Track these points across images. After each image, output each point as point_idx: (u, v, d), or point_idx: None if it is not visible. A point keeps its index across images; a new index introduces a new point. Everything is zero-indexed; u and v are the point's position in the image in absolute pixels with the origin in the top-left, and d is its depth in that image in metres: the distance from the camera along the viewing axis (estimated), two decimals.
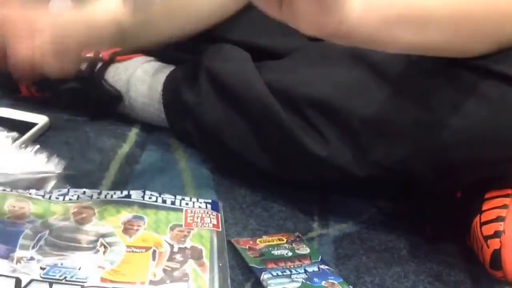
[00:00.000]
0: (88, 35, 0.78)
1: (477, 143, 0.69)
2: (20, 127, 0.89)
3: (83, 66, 0.93)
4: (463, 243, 0.77)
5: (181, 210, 0.75)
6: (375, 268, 0.73)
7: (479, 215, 0.72)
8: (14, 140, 0.82)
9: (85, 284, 0.62)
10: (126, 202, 0.75)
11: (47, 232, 0.68)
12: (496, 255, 0.69)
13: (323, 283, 0.67)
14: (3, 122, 0.90)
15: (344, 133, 0.75)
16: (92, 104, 0.94)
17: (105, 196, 0.76)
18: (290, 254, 0.72)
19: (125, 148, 0.90)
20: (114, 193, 0.77)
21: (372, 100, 0.73)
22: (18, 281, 0.60)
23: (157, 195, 0.77)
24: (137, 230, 0.71)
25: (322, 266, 0.70)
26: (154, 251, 0.68)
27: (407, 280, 0.72)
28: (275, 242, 0.74)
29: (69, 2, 0.78)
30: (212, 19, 0.86)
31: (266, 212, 0.81)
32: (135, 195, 0.77)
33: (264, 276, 0.67)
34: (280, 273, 0.68)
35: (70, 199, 0.74)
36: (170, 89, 0.90)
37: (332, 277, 0.68)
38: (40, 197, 0.73)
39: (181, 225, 0.72)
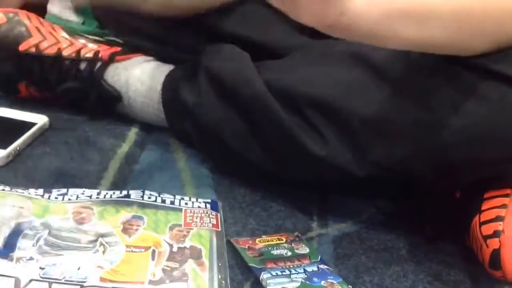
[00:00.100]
0: None
1: (476, 143, 0.69)
2: (20, 127, 0.89)
3: (83, 66, 0.93)
4: (462, 243, 0.77)
5: (180, 209, 0.75)
6: (374, 268, 0.73)
7: (478, 214, 0.72)
8: None
9: (85, 284, 0.61)
10: (125, 202, 0.75)
11: (46, 232, 0.68)
12: (496, 255, 0.69)
13: (322, 282, 0.67)
14: (2, 122, 0.90)
15: (344, 133, 0.75)
16: (91, 104, 0.94)
17: (105, 196, 0.76)
18: (289, 253, 0.72)
19: (125, 148, 0.90)
20: (114, 193, 0.77)
21: (372, 100, 0.73)
22: (17, 281, 0.60)
23: (157, 195, 0.77)
24: (136, 230, 0.70)
25: (321, 266, 0.70)
26: (154, 251, 0.68)
27: (406, 279, 0.72)
28: (274, 242, 0.74)
29: None
30: None
31: (266, 211, 0.81)
32: (135, 195, 0.77)
33: (264, 275, 0.67)
34: (279, 273, 0.68)
35: (69, 199, 0.74)
36: (170, 89, 0.90)
37: (332, 277, 0.68)
38: (39, 197, 0.73)
39: (180, 225, 0.72)
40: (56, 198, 0.74)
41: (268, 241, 0.74)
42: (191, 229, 0.72)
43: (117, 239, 0.69)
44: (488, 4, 0.64)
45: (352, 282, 0.70)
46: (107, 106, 0.95)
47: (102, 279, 0.62)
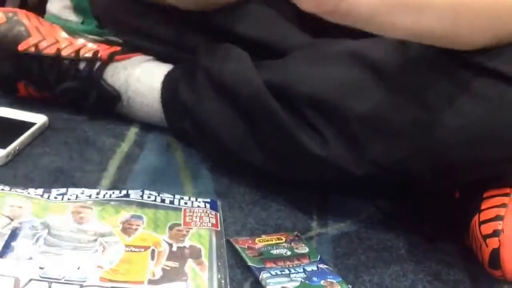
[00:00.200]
0: None
1: (475, 142, 0.69)
2: (19, 126, 0.89)
3: (82, 65, 0.93)
4: (462, 242, 0.77)
5: (180, 209, 0.75)
6: (374, 267, 0.73)
7: (478, 214, 0.72)
8: None
9: (84, 284, 0.61)
10: (125, 202, 0.75)
11: (46, 231, 0.68)
12: (495, 254, 0.69)
13: (322, 282, 0.67)
14: (1, 122, 0.90)
15: (342, 132, 0.75)
16: (91, 104, 0.94)
17: (104, 196, 0.76)
18: (289, 253, 0.72)
19: (124, 147, 0.90)
20: (113, 192, 0.77)
21: (370, 99, 0.73)
22: (17, 281, 0.60)
23: (156, 194, 0.77)
24: (136, 229, 0.70)
25: (321, 265, 0.70)
26: (153, 251, 0.68)
27: (406, 279, 0.72)
28: (274, 242, 0.74)
29: None
30: None
31: (265, 211, 0.81)
32: (134, 194, 0.77)
33: (263, 275, 0.67)
34: (279, 273, 0.68)
35: (69, 199, 0.74)
36: (169, 88, 0.90)
37: (331, 276, 0.68)
38: (39, 197, 0.73)
39: (180, 225, 0.72)
40: (55, 198, 0.74)
41: (267, 240, 0.74)
42: (191, 228, 0.72)
43: (116, 238, 0.69)
44: None
45: (351, 282, 0.70)
46: (107, 106, 0.94)
47: (102, 279, 0.62)
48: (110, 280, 0.62)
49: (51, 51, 0.92)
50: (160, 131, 0.94)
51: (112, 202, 0.74)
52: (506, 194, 0.72)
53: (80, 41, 0.95)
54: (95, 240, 0.68)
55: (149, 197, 0.76)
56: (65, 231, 0.68)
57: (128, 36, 0.96)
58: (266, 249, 0.72)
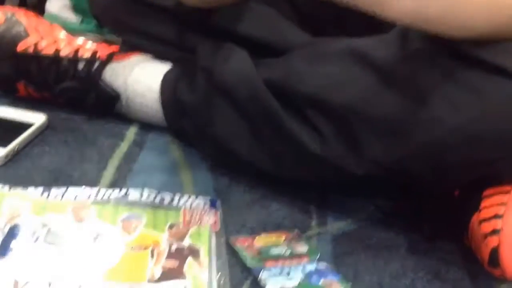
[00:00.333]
0: None
1: (475, 141, 0.69)
2: (18, 126, 0.89)
3: (81, 65, 0.93)
4: (461, 241, 0.77)
5: (179, 208, 0.75)
6: (374, 266, 0.73)
7: (477, 213, 0.72)
8: None
9: (84, 283, 0.61)
10: (124, 201, 0.75)
11: (45, 230, 0.68)
12: (494, 253, 0.69)
13: (321, 281, 0.67)
14: (1, 121, 0.90)
15: (342, 131, 0.75)
16: (90, 104, 0.94)
17: (104, 195, 0.76)
18: (288, 252, 0.72)
19: (123, 147, 0.90)
20: (113, 191, 0.77)
21: (370, 98, 0.73)
22: (16, 281, 0.60)
23: (156, 193, 0.77)
24: (135, 229, 0.70)
25: (320, 264, 0.70)
26: (153, 250, 0.68)
27: (406, 277, 0.72)
28: (273, 241, 0.74)
29: None
30: None
31: (265, 210, 0.81)
32: (134, 193, 0.77)
33: (263, 274, 0.67)
34: (278, 272, 0.68)
35: (68, 198, 0.74)
36: (168, 88, 0.90)
37: (331, 275, 0.68)
38: (38, 196, 0.73)
39: (179, 224, 0.72)
40: (55, 197, 0.74)
41: (267, 239, 0.74)
42: (190, 227, 0.72)
43: (116, 238, 0.68)
44: None
45: (351, 281, 0.70)
46: (106, 106, 0.94)
47: (101, 278, 0.62)
48: (110, 280, 0.62)
49: (49, 51, 0.92)
50: (159, 130, 0.94)
51: (112, 202, 0.74)
52: (505, 192, 0.72)
53: (79, 40, 0.95)
54: (95, 239, 0.68)
55: (148, 196, 0.76)
56: (65, 230, 0.68)
57: (127, 35, 0.95)
58: (266, 248, 0.72)
